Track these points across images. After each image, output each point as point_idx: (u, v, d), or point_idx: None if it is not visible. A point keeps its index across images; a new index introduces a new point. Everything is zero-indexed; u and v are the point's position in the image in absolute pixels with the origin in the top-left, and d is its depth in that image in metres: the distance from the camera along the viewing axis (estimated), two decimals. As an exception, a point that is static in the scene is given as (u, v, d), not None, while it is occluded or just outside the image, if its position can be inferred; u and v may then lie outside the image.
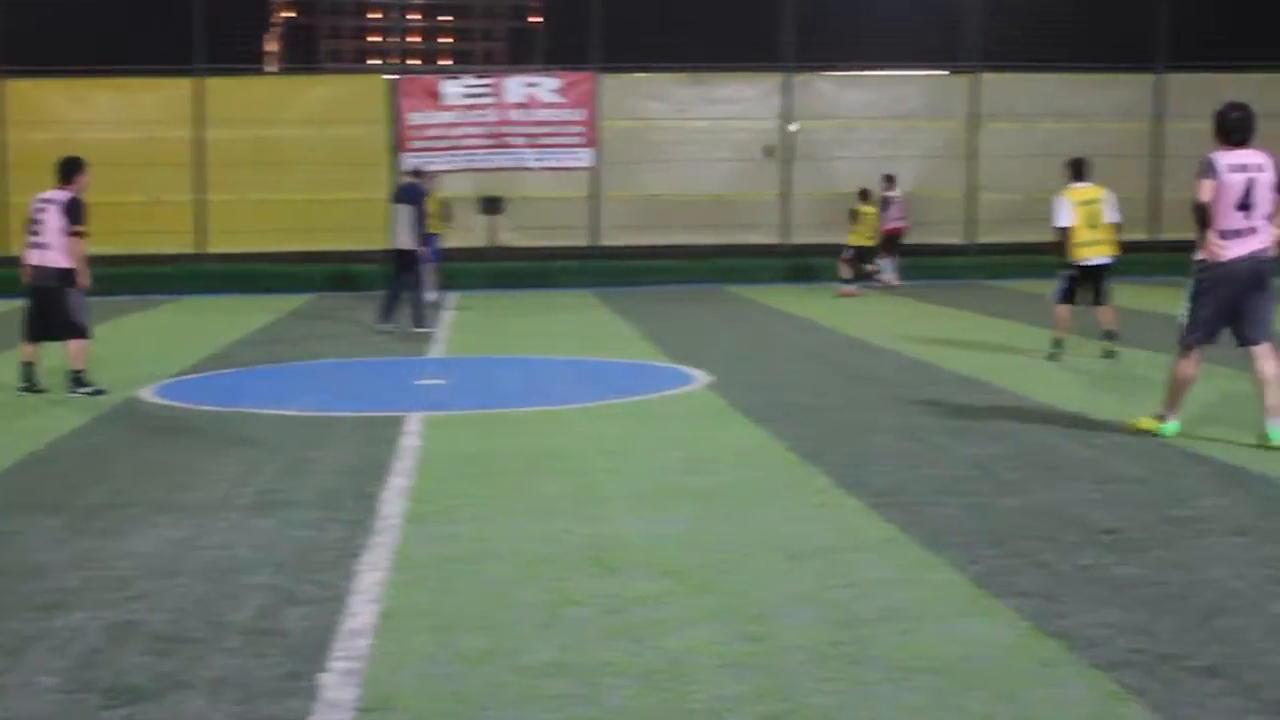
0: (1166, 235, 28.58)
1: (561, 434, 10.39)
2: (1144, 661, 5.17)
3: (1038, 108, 28.50)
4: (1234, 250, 9.38)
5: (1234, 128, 9.56)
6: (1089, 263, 14.82)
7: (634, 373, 14.16)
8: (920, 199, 28.11)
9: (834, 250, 25.99)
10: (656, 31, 27.90)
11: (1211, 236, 9.39)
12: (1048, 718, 4.67)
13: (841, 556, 6.72)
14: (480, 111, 26.90)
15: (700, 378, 13.29)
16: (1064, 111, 28.48)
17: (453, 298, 23.45)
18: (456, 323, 19.93)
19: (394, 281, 18.65)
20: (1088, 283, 14.96)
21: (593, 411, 11.53)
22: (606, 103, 27.39)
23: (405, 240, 18.33)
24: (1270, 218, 9.43)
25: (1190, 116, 28.52)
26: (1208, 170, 9.42)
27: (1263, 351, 9.52)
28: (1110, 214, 14.94)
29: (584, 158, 27.23)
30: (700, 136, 27.82)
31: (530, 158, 27.08)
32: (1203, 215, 9.38)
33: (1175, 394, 9.85)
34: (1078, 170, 15.28)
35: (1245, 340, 9.61)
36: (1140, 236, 28.61)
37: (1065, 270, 14.99)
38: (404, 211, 18.41)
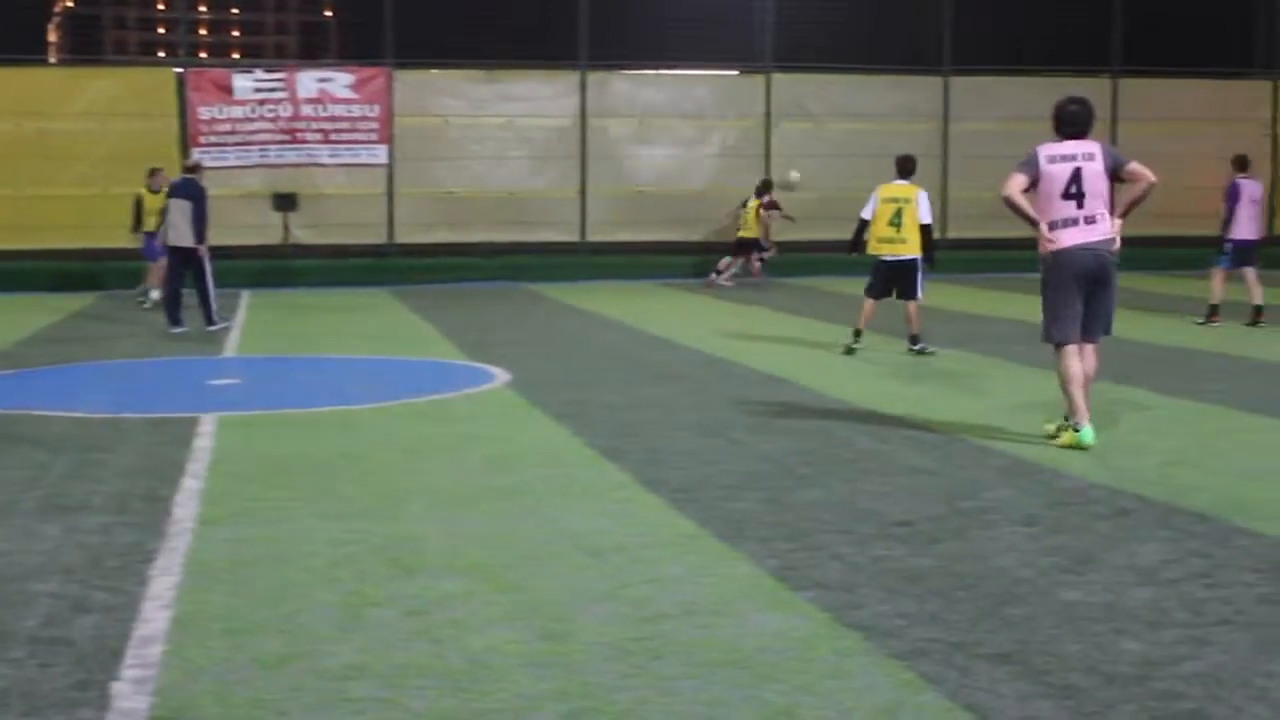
0: (953, 234, 29.32)
1: (358, 434, 10.25)
2: (938, 650, 5.28)
3: (828, 108, 29.00)
4: (1069, 239, 9.36)
5: (1066, 120, 9.64)
6: (886, 259, 15.07)
7: (432, 372, 14.05)
8: (716, 198, 28.42)
9: (630, 248, 26.19)
10: (451, 27, 27.71)
11: (1042, 229, 9.41)
12: (846, 708, 4.73)
13: (641, 553, 6.75)
14: (272, 106, 26.44)
15: (499, 376, 13.24)
16: (854, 112, 29.04)
17: (246, 296, 23.02)
18: (250, 322, 19.56)
19: (173, 281, 18.19)
20: (892, 279, 15.16)
21: (390, 411, 11.40)
22: (401, 99, 27.13)
23: (184, 237, 17.85)
24: (1110, 207, 9.46)
25: (973, 118, 29.42)
26: (1024, 163, 9.55)
27: (1090, 350, 9.58)
28: (922, 214, 15.15)
29: (379, 154, 26.93)
30: (497, 134, 27.74)
31: (324, 154, 26.71)
32: (1012, 208, 9.47)
33: (1072, 397, 9.42)
34: (902, 168, 15.63)
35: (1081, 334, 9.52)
36: (935, 233, 29.34)
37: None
38: (182, 207, 17.89)
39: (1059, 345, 9.51)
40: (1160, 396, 11.82)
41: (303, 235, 27.16)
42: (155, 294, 20.98)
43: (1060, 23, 29.76)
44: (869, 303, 15.29)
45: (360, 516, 7.57)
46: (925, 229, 15.11)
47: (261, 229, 26.45)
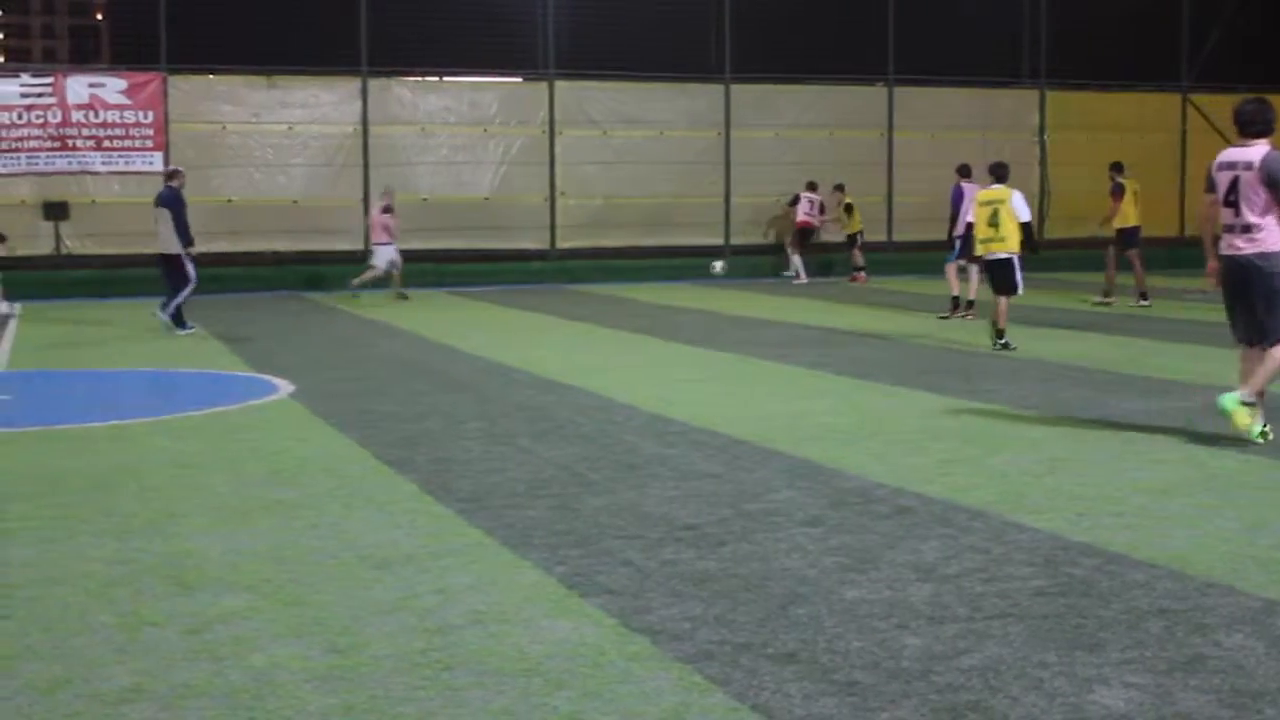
0: (735, 241, 29.73)
1: (134, 450, 9.97)
2: (725, 652, 5.32)
3: (612, 115, 29.15)
4: (1223, 248, 9.64)
5: (1243, 120, 9.80)
6: (986, 258, 16.64)
7: (212, 383, 13.74)
8: (500, 205, 28.37)
9: (415, 256, 25.92)
10: (228, 32, 27.11)
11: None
12: (634, 712, 4.74)
13: (429, 563, 6.68)
14: (41, 112, 25.62)
15: (282, 387, 13.01)
16: (637, 119, 29.24)
17: (15, 308, 22.25)
18: (21, 336, 18.90)
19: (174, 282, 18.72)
20: (991, 275, 16.56)
21: (167, 425, 11.11)
22: (176, 105, 26.51)
23: (168, 244, 18.48)
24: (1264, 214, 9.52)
25: (753, 126, 29.86)
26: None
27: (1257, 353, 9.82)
28: (1021, 213, 16.25)
29: (154, 161, 26.26)
30: (277, 141, 27.26)
31: (97, 161, 25.96)
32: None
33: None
34: (996, 174, 16.93)
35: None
36: (717, 241, 29.72)
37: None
38: (163, 215, 18.55)
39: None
40: (935, 396, 12.12)
41: (76, 245, 26.33)
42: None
43: (837, 33, 30.35)
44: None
45: (137, 534, 7.35)
46: (1025, 226, 16.23)
47: (32, 239, 25.58)
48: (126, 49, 26.29)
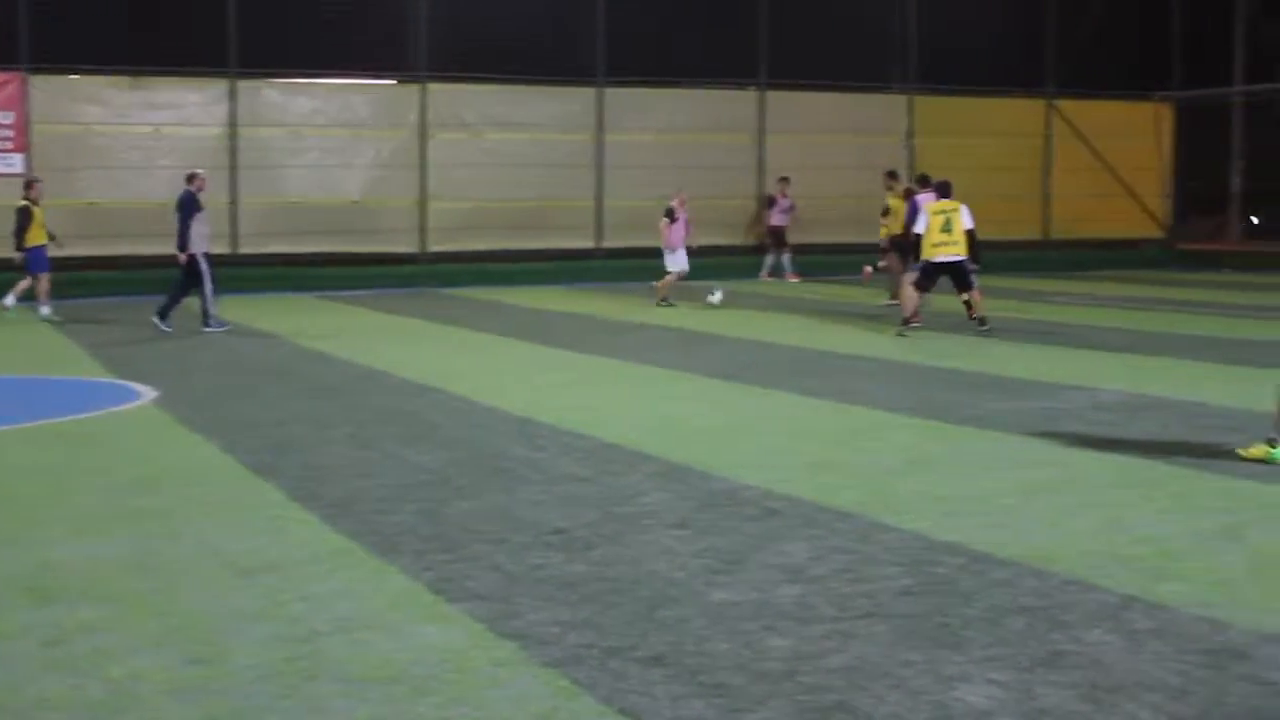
0: (608, 243, 29.75)
1: (-8, 457, 9.74)
2: (593, 656, 5.32)
3: (484, 118, 29.03)
4: None
5: None
6: (938, 260, 17.76)
7: (74, 390, 13.46)
8: (371, 208, 28.14)
9: (285, 260, 25.63)
10: (92, 32, 26.56)
11: None
12: (502, 718, 4.72)
13: (295, 570, 6.60)
14: (-107, 112, 24.97)
15: (146, 394, 12.77)
16: (510, 122, 29.15)
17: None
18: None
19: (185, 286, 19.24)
20: (946, 275, 17.84)
21: (27, 433, 10.86)
22: (38, 105, 25.95)
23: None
24: None
25: (626, 129, 29.91)
26: None
27: None
28: (966, 222, 17.67)
29: (14, 163, 25.68)
30: (143, 143, 26.77)
31: (-47, 163, 25.32)
32: None
33: None
34: (944, 190, 18.38)
35: None
36: (589, 244, 29.74)
37: None
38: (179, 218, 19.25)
39: None
40: (805, 398, 12.21)
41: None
42: (45, 309, 20.86)
43: (710, 37, 30.50)
44: (917, 294, 17.97)
45: (-7, 544, 7.18)
46: (970, 233, 17.74)
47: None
48: (-15, 48, 25.64)
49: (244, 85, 27.41)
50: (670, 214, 22.74)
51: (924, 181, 20.54)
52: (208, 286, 19.08)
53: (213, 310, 19.04)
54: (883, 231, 22.68)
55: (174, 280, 19.43)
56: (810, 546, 6.96)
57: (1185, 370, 14.03)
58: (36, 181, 21.56)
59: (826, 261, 29.42)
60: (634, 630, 5.63)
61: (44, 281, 21.03)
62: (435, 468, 9.12)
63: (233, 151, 27.23)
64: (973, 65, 31.89)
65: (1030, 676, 5.06)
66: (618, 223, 29.77)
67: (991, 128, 32.28)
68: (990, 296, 21.62)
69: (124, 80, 26.77)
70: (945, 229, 17.75)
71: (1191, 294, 24.35)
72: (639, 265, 29.08)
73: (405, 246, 28.67)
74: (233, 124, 27.32)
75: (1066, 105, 33.93)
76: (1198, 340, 16.77)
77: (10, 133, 25.68)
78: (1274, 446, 9.01)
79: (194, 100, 27.35)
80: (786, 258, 29.00)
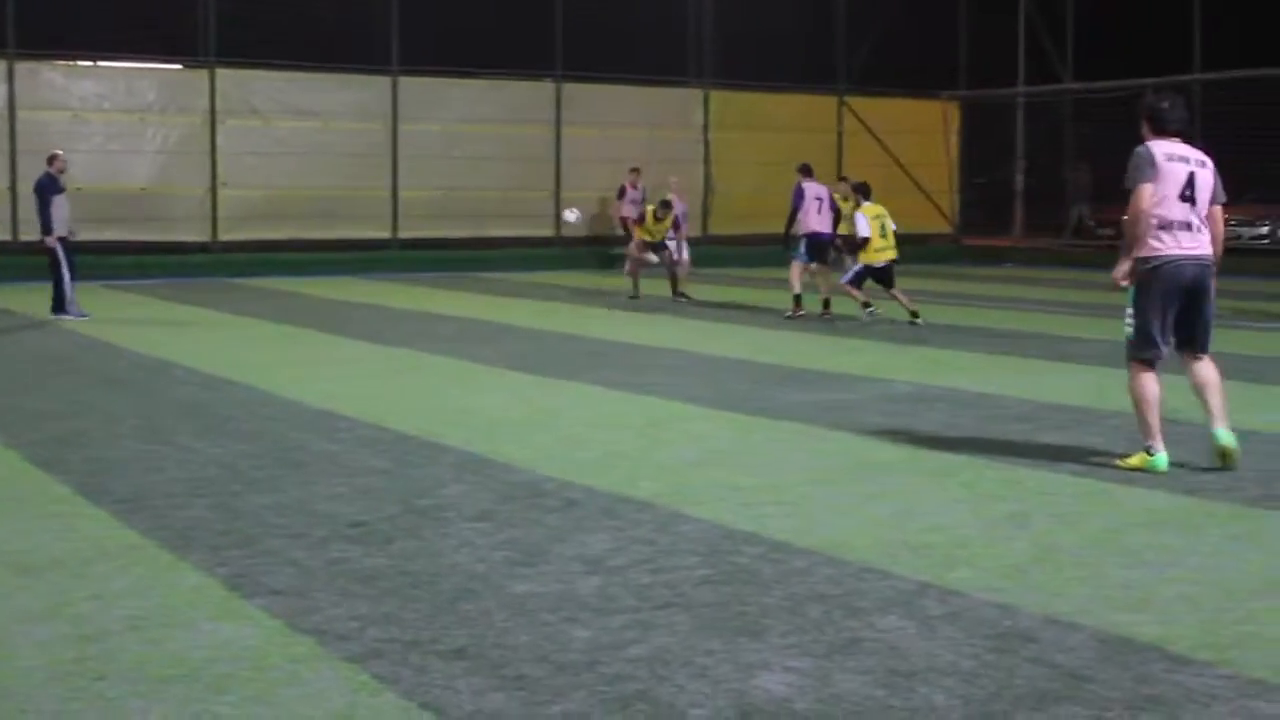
0: (403, 234, 29.51)
1: None
2: (394, 650, 5.26)
3: (276, 105, 28.54)
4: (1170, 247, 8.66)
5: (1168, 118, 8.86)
6: (881, 264, 18.35)
7: None
8: (159, 196, 27.47)
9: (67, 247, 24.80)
10: None
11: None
12: (301, 715, 4.64)
13: (82, 568, 6.40)
14: None
15: (-80, 385, 12.31)
16: (302, 110, 28.70)
17: None
18: None
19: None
20: (880, 276, 18.55)
21: None
22: None
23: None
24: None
25: (420, 119, 29.70)
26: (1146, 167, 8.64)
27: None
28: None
29: None
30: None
31: None
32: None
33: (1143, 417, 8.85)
34: (867, 192, 18.74)
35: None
36: (385, 234, 29.43)
37: None
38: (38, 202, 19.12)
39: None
40: (604, 390, 12.25)
41: None
42: None
43: (506, 27, 30.42)
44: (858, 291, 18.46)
45: None
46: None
47: None
48: None
49: (22, 66, 26.52)
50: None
51: (806, 171, 19.94)
52: (64, 271, 18.78)
53: (71, 295, 18.73)
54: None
55: (67, 269, 18.96)
56: (610, 538, 6.98)
57: (974, 362, 14.41)
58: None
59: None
60: (435, 624, 5.58)
61: None
62: (229, 461, 8.93)
63: (11, 135, 26.34)
64: (767, 61, 32.36)
65: (828, 663, 5.14)
66: (413, 213, 29.54)
67: (785, 123, 32.78)
68: (773, 288, 21.97)
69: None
70: (883, 234, 18.31)
71: (979, 288, 25.04)
72: (435, 256, 28.96)
73: (196, 235, 28.07)
74: (11, 106, 26.41)
75: (857, 102, 34.62)
76: (986, 333, 17.23)
77: None
78: (1151, 454, 8.74)
79: (-33, 81, 26.38)
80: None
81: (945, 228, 35.76)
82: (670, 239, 22.49)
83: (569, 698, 4.78)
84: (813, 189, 19.48)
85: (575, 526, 7.23)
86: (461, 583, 6.16)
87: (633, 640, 5.38)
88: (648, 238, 22.47)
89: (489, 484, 8.27)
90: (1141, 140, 8.81)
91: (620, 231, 28.01)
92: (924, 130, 34.99)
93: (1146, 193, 8.55)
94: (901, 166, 34.11)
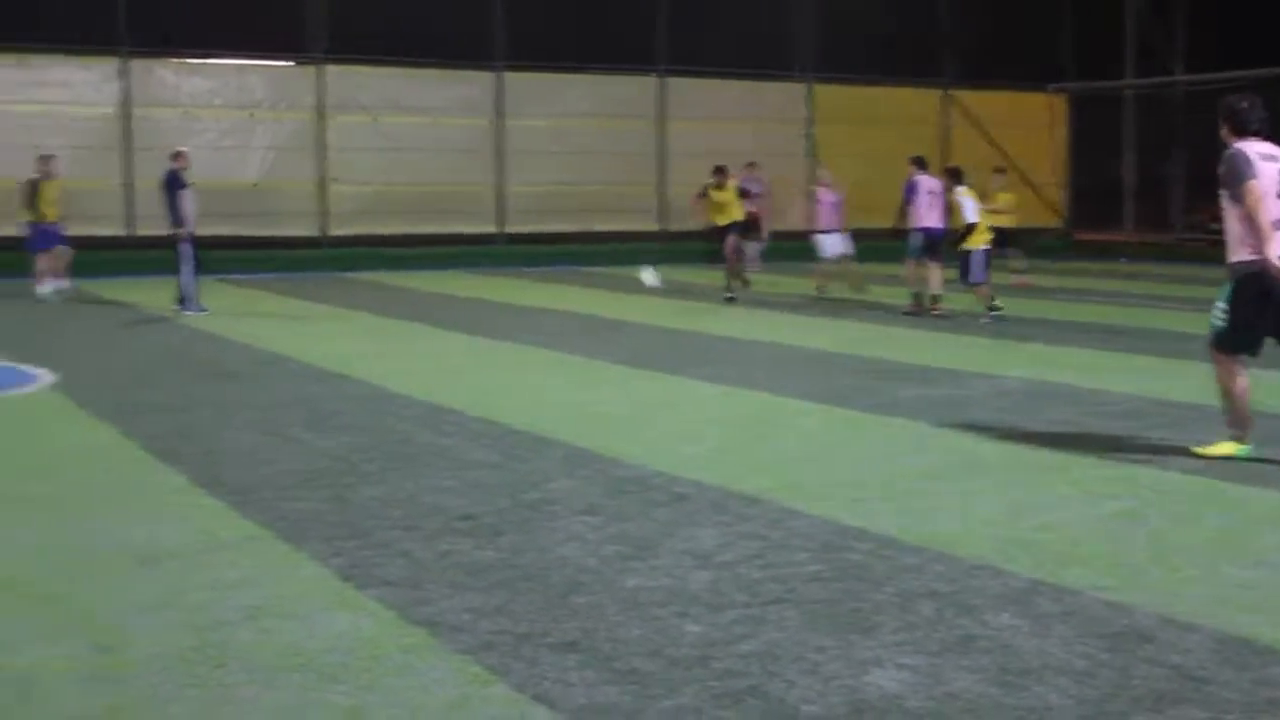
0: (511, 229, 29.63)
1: (-118, 442, 9.52)
2: (505, 642, 5.29)
3: (383, 101, 28.79)
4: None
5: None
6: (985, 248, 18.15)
7: (-35, 374, 13.19)
8: (269, 191, 27.83)
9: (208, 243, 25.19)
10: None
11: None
12: (414, 705, 4.68)
13: (200, 558, 6.50)
14: None
15: (43, 377, 12.54)
16: (408, 106, 28.94)
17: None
18: None
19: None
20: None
21: (-82, 417, 10.64)
22: (-77, 83, 25.38)
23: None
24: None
25: (525, 114, 29.83)
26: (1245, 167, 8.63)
27: None
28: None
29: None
30: (31, 122, 26.22)
31: None
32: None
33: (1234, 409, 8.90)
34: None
35: None
36: (491, 229, 29.62)
37: None
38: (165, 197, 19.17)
39: None
40: (713, 385, 12.23)
41: None
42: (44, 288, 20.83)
43: (610, 23, 30.48)
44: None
45: (-115, 531, 7.02)
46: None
47: None
48: None
49: (136, 64, 26.97)
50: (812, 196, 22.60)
51: (920, 164, 19.54)
52: (190, 266, 18.95)
53: (192, 291, 18.93)
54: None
55: (193, 263, 19.20)
56: (720, 532, 6.97)
57: (1087, 358, 14.22)
58: (45, 158, 21.22)
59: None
60: (546, 617, 5.60)
61: (43, 260, 20.97)
62: (341, 453, 9.02)
63: (126, 133, 26.79)
64: (871, 54, 32.15)
65: (940, 661, 5.09)
66: (519, 208, 29.70)
67: (888, 116, 32.54)
68: (892, 285, 21.82)
69: (10, 58, 26.23)
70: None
71: (1090, 283, 24.72)
72: (541, 250, 29.08)
73: (306, 230, 28.40)
74: (125, 104, 26.87)
75: (963, 95, 34.30)
76: (1098, 329, 17.00)
77: (-104, 110, 25.09)
78: (1242, 443, 8.79)
79: (84, 79, 26.87)
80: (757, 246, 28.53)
81: (1054, 222, 35.34)
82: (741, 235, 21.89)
83: (680, 692, 4.78)
84: (926, 182, 19.24)
85: (685, 521, 7.22)
86: (572, 576, 6.18)
87: (744, 635, 5.37)
88: (720, 219, 21.40)
89: (597, 478, 8.29)
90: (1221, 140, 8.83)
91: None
92: (1030, 124, 34.62)
93: (1257, 189, 8.48)
94: (1008, 159, 33.73)
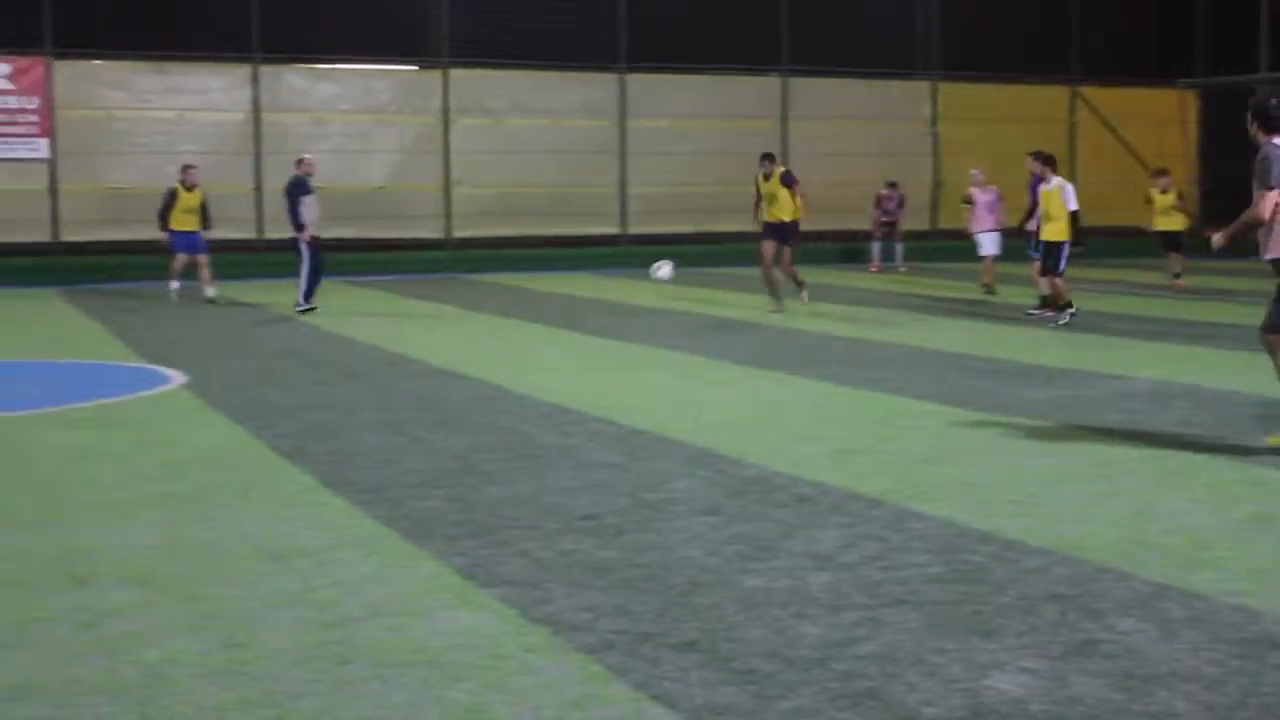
0: (633, 229, 29.73)
1: (23, 442, 9.77)
2: (625, 642, 5.32)
3: (507, 104, 29.03)
4: None
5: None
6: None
7: (102, 374, 13.51)
8: (394, 194, 28.17)
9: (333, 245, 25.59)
10: (115, 16, 26.63)
11: None
12: (535, 704, 4.72)
13: (326, 555, 6.61)
14: (-77, 97, 25.09)
15: (175, 377, 12.82)
16: (532, 108, 29.14)
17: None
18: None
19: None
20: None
21: (57, 417, 10.90)
22: (62, 90, 26.03)
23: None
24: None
25: (648, 115, 29.89)
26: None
27: None
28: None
29: (39, 148, 25.80)
30: (166, 128, 26.82)
31: (-21, 148, 25.44)
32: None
33: None
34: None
35: None
36: (613, 230, 29.75)
37: None
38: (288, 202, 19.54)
39: None
40: (837, 385, 12.19)
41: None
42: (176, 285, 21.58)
43: (731, 23, 30.46)
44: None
45: (26, 528, 7.22)
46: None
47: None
48: (8, 34, 25.72)
49: (266, 70, 27.44)
50: (967, 199, 22.37)
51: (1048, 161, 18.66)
52: (308, 268, 19.34)
53: (307, 290, 19.35)
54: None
55: (314, 266, 19.59)
56: (841, 534, 6.95)
57: (1215, 358, 13.99)
58: (190, 168, 21.73)
59: (853, 250, 29.40)
60: (666, 616, 5.63)
61: (179, 262, 21.55)
62: (464, 453, 9.12)
63: (256, 137, 27.28)
64: (996, 52, 31.81)
65: (1064, 665, 5.04)
66: (641, 209, 29.79)
67: (1015, 114, 32.17)
68: (1014, 284, 21.59)
69: (147, 65, 26.83)
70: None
71: (1219, 282, 24.25)
72: (664, 251, 29.10)
73: (430, 232, 28.72)
74: (256, 109, 27.36)
75: (1090, 92, 33.81)
76: (1227, 328, 16.69)
77: (35, 117, 25.78)
78: None
79: (217, 85, 27.42)
80: (899, 247, 28.57)
81: (1185, 221, 34.66)
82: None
83: (800, 693, 4.78)
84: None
85: (805, 522, 7.21)
86: (692, 576, 6.20)
87: (863, 637, 5.35)
88: (778, 216, 19.11)
89: (718, 478, 8.31)
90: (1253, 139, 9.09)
91: (877, 236, 28.22)
92: (1160, 120, 34.02)
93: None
94: (1137, 157, 33.21)
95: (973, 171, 22.89)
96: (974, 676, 4.93)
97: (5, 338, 16.95)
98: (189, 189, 21.26)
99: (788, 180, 19.16)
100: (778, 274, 19.29)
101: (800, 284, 19.35)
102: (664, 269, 21.28)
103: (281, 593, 6.00)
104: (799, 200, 19.12)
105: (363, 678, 4.97)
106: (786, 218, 19.08)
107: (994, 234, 21.83)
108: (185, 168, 21.64)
